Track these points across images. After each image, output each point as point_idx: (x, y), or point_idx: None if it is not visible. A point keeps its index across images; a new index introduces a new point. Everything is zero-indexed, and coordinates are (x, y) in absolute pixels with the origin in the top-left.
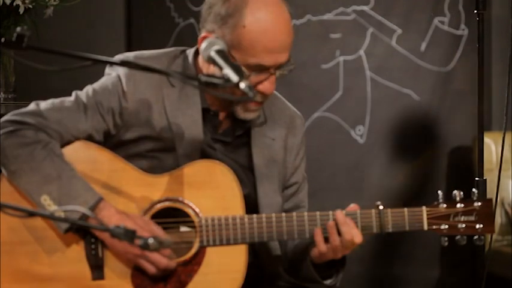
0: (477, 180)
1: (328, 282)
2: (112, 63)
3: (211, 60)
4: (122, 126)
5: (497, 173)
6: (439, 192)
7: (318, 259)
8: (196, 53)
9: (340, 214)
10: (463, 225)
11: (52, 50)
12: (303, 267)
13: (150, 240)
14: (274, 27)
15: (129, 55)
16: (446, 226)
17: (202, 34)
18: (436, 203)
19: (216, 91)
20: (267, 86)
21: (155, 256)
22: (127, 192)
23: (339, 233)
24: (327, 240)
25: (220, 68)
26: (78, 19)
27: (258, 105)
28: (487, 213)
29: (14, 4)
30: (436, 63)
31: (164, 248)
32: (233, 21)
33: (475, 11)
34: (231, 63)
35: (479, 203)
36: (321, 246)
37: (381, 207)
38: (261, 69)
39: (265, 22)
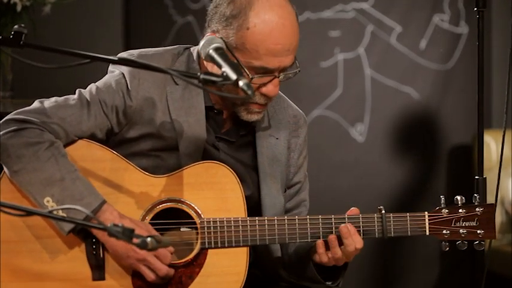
0: (477, 178)
1: (330, 283)
2: (110, 61)
3: (209, 58)
4: (125, 124)
5: (497, 172)
6: (441, 197)
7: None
8: None
9: (344, 228)
10: (465, 231)
11: (50, 47)
12: (305, 269)
13: (148, 239)
14: (278, 30)
15: (134, 52)
16: (448, 231)
17: (207, 34)
18: (438, 208)
19: (217, 90)
20: (270, 88)
21: (156, 263)
22: (129, 192)
23: (340, 244)
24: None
25: (219, 66)
26: (76, 17)
27: (261, 108)
28: (488, 219)
29: (12, 2)
30: (436, 61)
31: (162, 247)
32: (237, 23)
33: (475, 9)
34: (230, 61)
35: (481, 209)
36: (323, 258)
37: (383, 211)
38: (265, 71)
39: (270, 24)
